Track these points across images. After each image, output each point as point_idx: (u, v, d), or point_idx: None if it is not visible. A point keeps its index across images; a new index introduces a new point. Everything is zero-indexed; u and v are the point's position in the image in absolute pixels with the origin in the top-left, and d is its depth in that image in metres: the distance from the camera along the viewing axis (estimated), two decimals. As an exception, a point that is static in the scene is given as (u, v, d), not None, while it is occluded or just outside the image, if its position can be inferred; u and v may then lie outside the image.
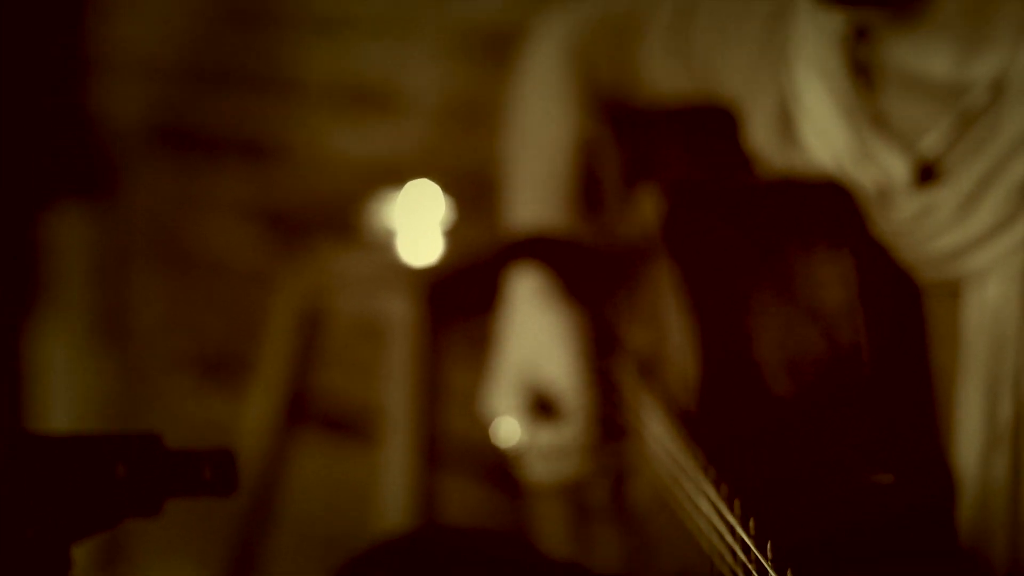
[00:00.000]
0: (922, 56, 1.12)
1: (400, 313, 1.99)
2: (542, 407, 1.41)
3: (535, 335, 1.43)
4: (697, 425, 1.12)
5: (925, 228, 1.09)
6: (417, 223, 2.07)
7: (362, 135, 2.87)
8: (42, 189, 3.35)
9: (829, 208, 1.13)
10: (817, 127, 1.18)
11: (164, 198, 3.31)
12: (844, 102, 1.15)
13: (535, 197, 1.51)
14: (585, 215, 1.49)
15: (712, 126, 1.37)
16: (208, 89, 3.18)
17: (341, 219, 2.85)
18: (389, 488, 2.17)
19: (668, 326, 1.18)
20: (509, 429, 1.42)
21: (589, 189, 1.51)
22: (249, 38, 3.07)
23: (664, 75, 1.43)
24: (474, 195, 2.66)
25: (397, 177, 2.75)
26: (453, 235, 2.09)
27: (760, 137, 1.26)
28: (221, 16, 3.12)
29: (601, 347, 1.42)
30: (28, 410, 3.33)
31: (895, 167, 1.11)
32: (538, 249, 1.45)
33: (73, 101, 3.47)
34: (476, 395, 1.53)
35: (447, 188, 2.29)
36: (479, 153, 2.66)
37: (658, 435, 1.19)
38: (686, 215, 1.16)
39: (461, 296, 1.99)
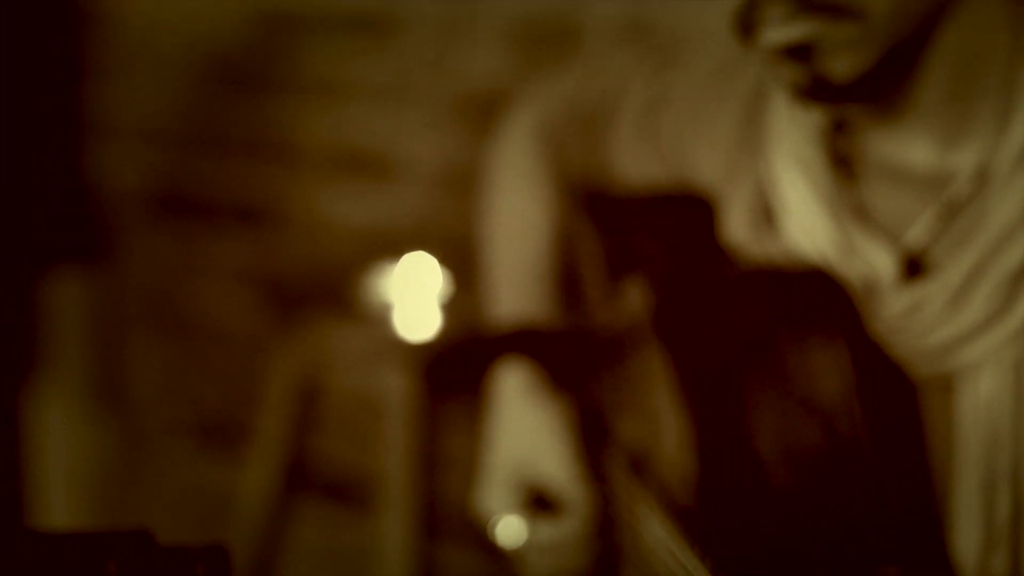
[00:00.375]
0: (903, 147, 1.10)
1: (397, 387, 1.99)
2: (538, 503, 1.40)
3: (526, 430, 1.41)
4: (693, 518, 1.11)
5: (915, 323, 1.07)
6: (414, 297, 2.07)
7: (359, 201, 2.87)
8: (39, 254, 3.36)
9: (820, 297, 1.11)
10: (799, 220, 1.15)
11: (161, 263, 3.31)
12: (825, 195, 1.13)
13: (515, 287, 1.49)
14: (566, 304, 1.48)
15: (692, 213, 1.35)
16: (205, 154, 3.18)
17: (338, 286, 2.85)
18: (388, 556, 2.16)
19: (661, 419, 1.17)
20: (506, 527, 1.41)
21: (569, 277, 1.50)
22: (246, 104, 3.08)
23: (636, 162, 1.41)
24: (471, 263, 2.67)
25: (394, 243, 2.76)
26: (450, 307, 2.08)
27: (739, 228, 1.23)
28: (218, 81, 3.13)
29: (593, 439, 1.40)
30: (27, 476, 3.32)
31: (881, 261, 1.09)
32: (521, 343, 1.43)
33: (70, 165, 3.47)
34: (472, 469, 1.52)
35: (444, 260, 2.29)
36: (470, 220, 2.66)
37: (654, 528, 1.18)
38: (676, 307, 1.15)
39: (458, 370, 1.99)
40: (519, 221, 1.52)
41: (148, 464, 3.36)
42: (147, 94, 3.30)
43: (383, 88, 2.81)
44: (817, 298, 1.11)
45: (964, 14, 1.05)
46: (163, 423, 3.34)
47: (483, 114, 2.60)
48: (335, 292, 2.46)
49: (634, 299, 1.20)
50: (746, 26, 1.05)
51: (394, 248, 2.77)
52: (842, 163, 1.14)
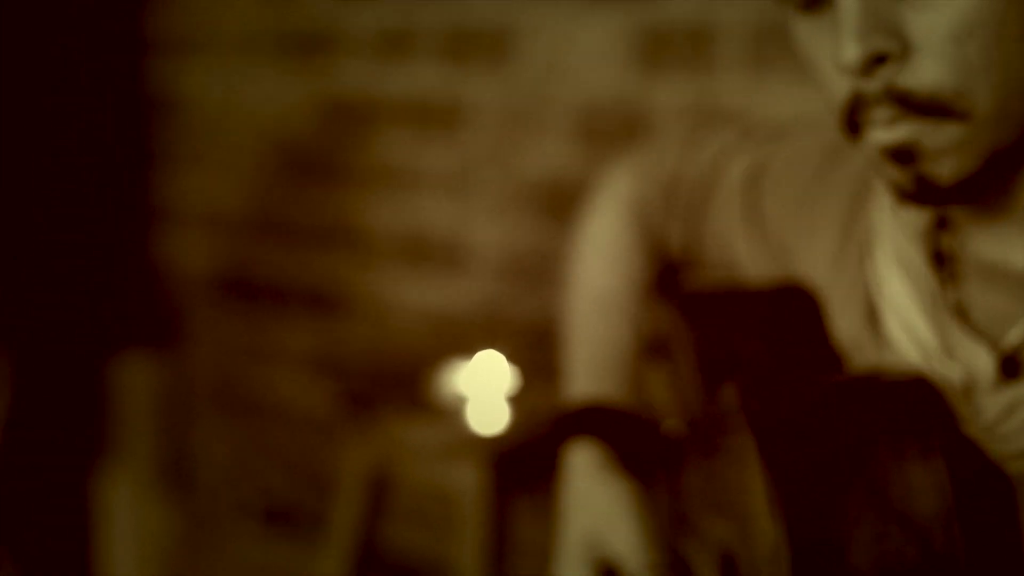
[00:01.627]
0: (1004, 247, 1.10)
1: (469, 480, 1.99)
2: None
3: (598, 506, 1.36)
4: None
5: (1013, 425, 1.06)
6: (483, 392, 2.07)
7: (426, 289, 2.89)
8: (110, 338, 3.39)
9: (919, 406, 1.10)
10: (901, 320, 1.15)
11: (230, 348, 3.33)
12: (926, 294, 1.13)
13: (593, 367, 1.43)
14: (650, 391, 1.44)
15: (792, 305, 1.32)
16: (274, 240, 3.21)
17: (405, 372, 2.86)
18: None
19: (752, 522, 1.16)
20: None
21: (651, 360, 1.46)
22: (314, 190, 3.11)
23: (735, 244, 1.37)
24: (537, 353, 2.67)
25: (461, 331, 2.77)
26: (519, 401, 2.09)
27: (845, 327, 1.22)
28: (287, 168, 3.17)
29: (673, 528, 1.38)
30: (95, 558, 3.33)
31: (980, 361, 1.09)
32: (595, 422, 1.39)
33: (140, 251, 3.51)
34: (545, 558, 1.51)
35: (511, 351, 2.29)
36: (542, 310, 2.67)
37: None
38: (775, 409, 1.14)
39: (528, 463, 1.98)
40: (603, 299, 1.45)
41: (215, 547, 3.37)
42: (216, 180, 3.34)
43: (450, 176, 2.83)
44: (917, 407, 1.10)
45: None
46: (230, 507, 3.35)
47: (549, 203, 2.62)
48: (402, 379, 2.47)
49: (731, 396, 1.19)
50: (851, 125, 1.05)
51: (461, 336, 2.79)
52: (943, 262, 1.14)
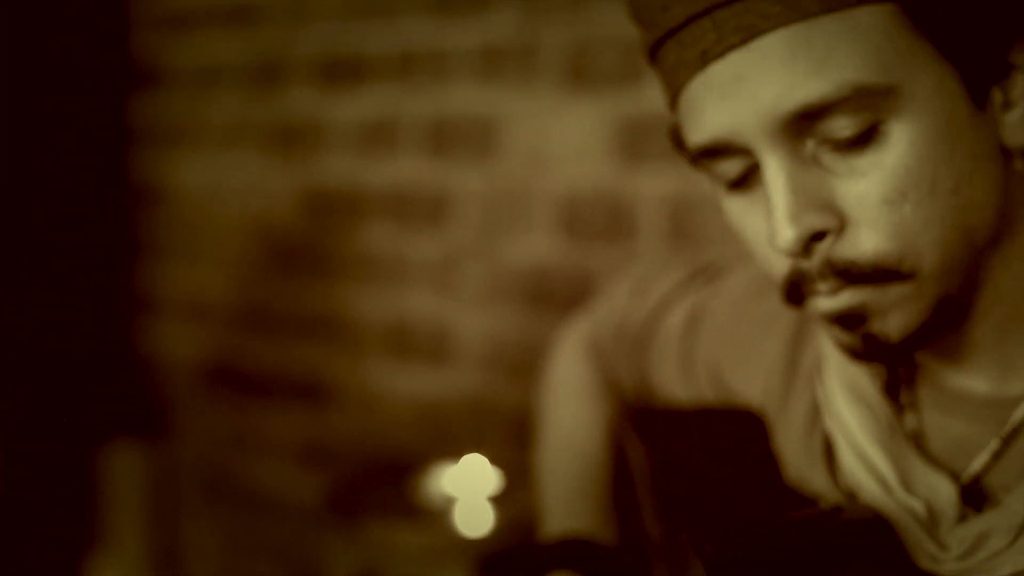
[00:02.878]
0: (960, 379, 1.09)
1: (454, 582, 1.98)
2: None
3: None
4: None
5: (982, 557, 1.03)
6: (469, 495, 2.07)
7: (411, 379, 2.88)
8: (97, 427, 3.38)
9: (877, 545, 1.09)
10: (855, 449, 1.13)
11: (217, 438, 3.32)
12: (882, 424, 1.11)
13: (566, 504, 1.47)
14: (618, 521, 1.46)
15: (740, 426, 1.32)
16: (259, 330, 3.21)
17: (392, 463, 2.85)
18: None
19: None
20: None
21: (621, 488, 1.48)
22: (299, 281, 3.11)
23: (677, 384, 1.41)
24: (522, 448, 2.67)
25: (447, 421, 2.77)
26: (504, 503, 2.08)
27: (794, 455, 1.22)
28: (272, 259, 3.17)
29: None
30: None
31: (941, 493, 1.06)
32: (570, 557, 1.40)
33: (127, 340, 3.51)
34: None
35: (496, 452, 2.29)
36: (527, 401, 2.66)
37: None
38: (730, 554, 1.13)
39: (513, 569, 1.97)
40: (571, 438, 1.51)
41: (204, 639, 3.35)
42: (202, 270, 3.34)
43: (434, 267, 2.83)
44: (875, 546, 1.09)
45: (1011, 254, 1.05)
46: (219, 598, 3.34)
47: (533, 294, 2.62)
48: (388, 470, 2.46)
49: (689, 539, 1.19)
50: (794, 297, 1.04)
51: (447, 425, 2.78)
52: (897, 391, 1.13)
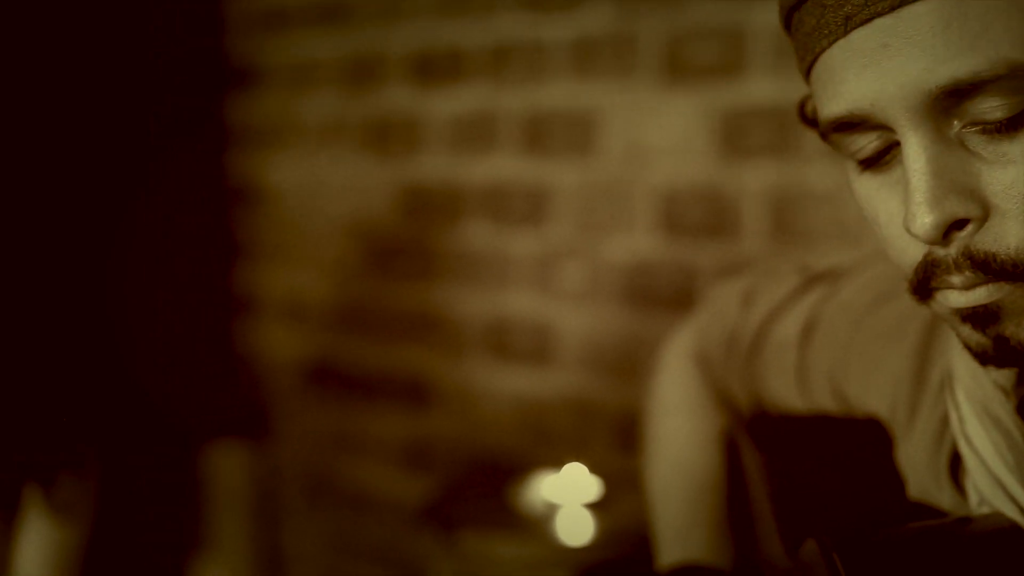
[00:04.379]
0: None
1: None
2: None
3: None
4: None
5: None
6: (569, 503, 2.03)
7: (512, 378, 2.85)
8: (200, 429, 3.39)
9: (1013, 556, 1.03)
10: (988, 473, 1.07)
11: (317, 439, 3.32)
12: (1014, 449, 1.05)
13: (679, 527, 1.41)
14: (734, 537, 1.41)
15: (861, 436, 1.27)
16: (359, 330, 3.20)
17: (491, 466, 2.82)
18: None
19: None
20: None
21: (737, 508, 1.43)
22: (399, 279, 3.09)
23: (790, 400, 1.35)
24: (622, 446, 2.62)
25: (547, 421, 2.73)
26: (604, 511, 2.04)
27: (916, 467, 1.16)
28: (371, 257, 3.15)
29: None
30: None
31: None
32: None
33: (228, 342, 3.52)
34: None
35: (596, 460, 2.25)
36: (625, 400, 2.62)
37: None
38: (860, 566, 1.08)
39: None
40: (681, 454, 1.45)
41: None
42: (302, 270, 3.34)
43: (533, 265, 2.79)
44: (1011, 557, 1.03)
45: None
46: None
47: (633, 291, 2.57)
48: (489, 478, 2.43)
49: (815, 551, 1.14)
50: (923, 289, 0.97)
51: (548, 425, 2.74)
52: None
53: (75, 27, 3.09)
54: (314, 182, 3.28)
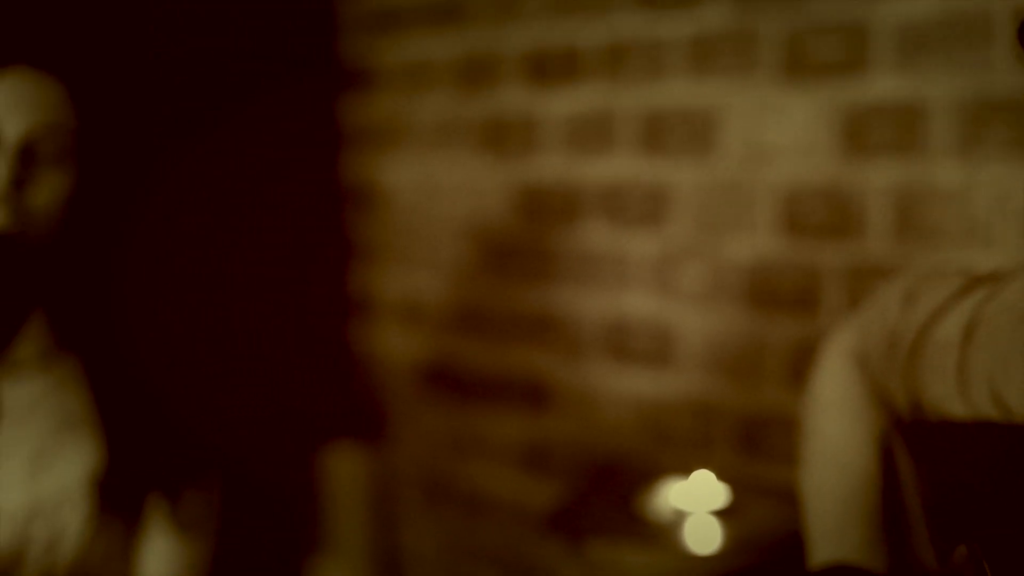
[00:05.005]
0: None
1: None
2: None
3: None
4: None
5: None
6: (695, 511, 2.01)
7: (632, 380, 2.83)
8: (316, 431, 3.41)
9: None
10: None
11: (434, 440, 3.32)
12: None
13: (834, 523, 1.41)
14: (887, 539, 1.39)
15: (1019, 449, 1.24)
16: (475, 331, 3.19)
17: (614, 470, 2.80)
18: None
19: None
20: None
21: (891, 509, 1.41)
22: (515, 280, 3.08)
23: (954, 397, 1.32)
24: (746, 449, 2.59)
25: (667, 424, 2.71)
26: (731, 519, 2.01)
27: None
28: (487, 258, 3.15)
29: None
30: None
31: None
32: None
33: (344, 343, 3.53)
34: None
35: (722, 467, 2.22)
36: (747, 402, 2.59)
37: None
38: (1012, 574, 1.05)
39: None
40: (838, 455, 1.45)
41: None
42: (418, 270, 3.34)
43: (653, 265, 2.77)
44: None
45: None
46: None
47: (754, 293, 2.54)
48: (614, 485, 2.42)
49: (969, 558, 1.11)
50: None
51: (668, 430, 2.72)
52: None
53: (194, 28, 3.12)
54: (430, 183, 3.28)
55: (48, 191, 1.88)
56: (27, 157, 1.87)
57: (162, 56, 3.01)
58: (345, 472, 3.39)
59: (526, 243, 3.04)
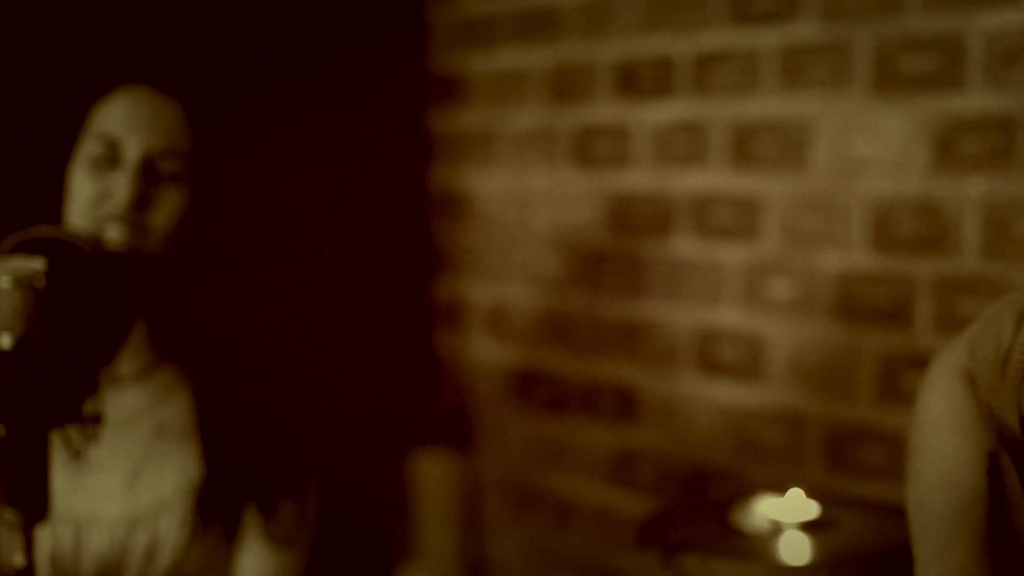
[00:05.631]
0: None
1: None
2: None
3: None
4: None
5: None
6: (786, 526, 2.01)
7: (721, 394, 2.83)
8: (405, 438, 3.43)
9: None
10: None
11: (522, 449, 3.33)
12: None
13: (940, 542, 1.41)
14: (993, 558, 1.39)
15: None
16: (564, 341, 3.21)
17: (704, 478, 2.81)
18: None
19: None
20: None
21: (998, 529, 1.40)
22: (603, 292, 3.09)
23: None
24: (834, 460, 2.59)
25: (757, 437, 2.71)
26: (821, 528, 2.01)
27: None
28: (577, 266, 3.16)
29: None
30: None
31: None
32: None
33: (432, 352, 3.56)
34: None
35: (811, 483, 2.22)
36: (837, 416, 2.58)
37: None
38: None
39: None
40: (945, 473, 1.44)
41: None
42: (507, 278, 3.36)
43: (744, 279, 2.77)
44: None
45: None
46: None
47: (844, 307, 2.53)
48: (705, 500, 2.43)
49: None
50: None
51: (757, 442, 2.72)
52: None
53: (288, 40, 3.16)
54: (520, 192, 3.29)
55: (165, 209, 1.93)
56: (147, 176, 1.92)
57: (262, 72, 3.06)
58: (434, 479, 3.41)
59: (615, 253, 3.05)
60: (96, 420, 1.42)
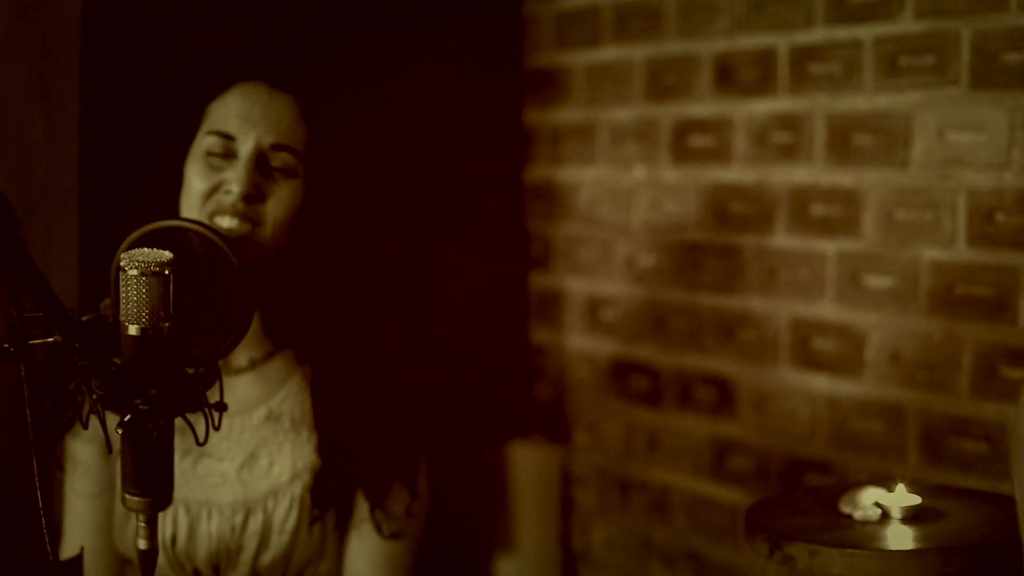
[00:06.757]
0: None
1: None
2: None
3: None
4: None
5: None
6: (888, 518, 2.02)
7: (820, 389, 2.83)
8: (500, 430, 3.46)
9: None
10: None
11: (617, 442, 3.35)
12: None
13: None
14: None
15: None
16: (661, 334, 3.22)
17: (806, 471, 2.81)
18: None
19: None
20: None
21: None
22: (702, 283, 3.10)
23: None
24: (932, 454, 2.58)
25: (856, 433, 2.71)
26: (924, 521, 2.02)
27: None
28: (672, 262, 3.17)
29: None
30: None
31: None
32: None
33: (527, 343, 3.58)
34: None
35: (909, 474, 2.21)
36: (936, 411, 2.58)
37: None
38: None
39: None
40: None
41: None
42: (603, 273, 3.37)
43: (843, 273, 2.77)
44: None
45: None
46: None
47: (945, 304, 2.53)
48: (808, 491, 2.43)
49: None
50: None
51: (855, 436, 2.72)
52: None
53: (391, 41, 3.20)
54: (617, 185, 3.31)
55: (279, 202, 1.97)
56: (260, 170, 1.97)
57: (367, 68, 3.10)
58: (530, 470, 3.43)
59: (713, 246, 3.06)
60: (220, 408, 1.46)
